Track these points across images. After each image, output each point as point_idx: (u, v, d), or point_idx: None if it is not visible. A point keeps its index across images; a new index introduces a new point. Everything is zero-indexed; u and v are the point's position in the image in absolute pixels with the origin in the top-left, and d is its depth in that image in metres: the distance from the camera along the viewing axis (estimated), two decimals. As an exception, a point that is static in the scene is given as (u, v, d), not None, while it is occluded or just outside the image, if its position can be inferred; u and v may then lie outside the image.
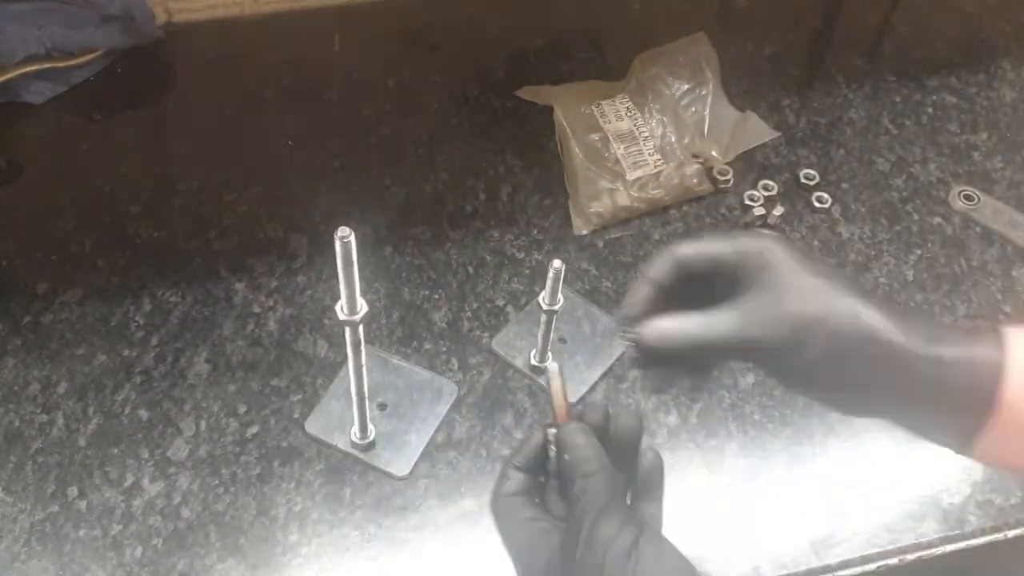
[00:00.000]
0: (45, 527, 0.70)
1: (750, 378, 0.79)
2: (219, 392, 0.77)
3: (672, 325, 0.50)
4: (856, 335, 0.47)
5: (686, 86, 0.97)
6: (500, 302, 0.83)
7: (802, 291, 0.48)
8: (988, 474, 0.73)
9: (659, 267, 0.52)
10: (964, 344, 0.47)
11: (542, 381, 0.56)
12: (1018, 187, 0.94)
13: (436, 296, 0.84)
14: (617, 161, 0.91)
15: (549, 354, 0.54)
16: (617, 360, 0.79)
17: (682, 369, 0.53)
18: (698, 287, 0.51)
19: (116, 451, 0.73)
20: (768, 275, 0.49)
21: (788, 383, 0.50)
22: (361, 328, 0.61)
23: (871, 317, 0.47)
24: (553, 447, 0.53)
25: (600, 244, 0.88)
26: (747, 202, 0.91)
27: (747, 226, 0.89)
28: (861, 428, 0.76)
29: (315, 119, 0.97)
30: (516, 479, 0.54)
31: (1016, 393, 0.46)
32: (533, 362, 0.78)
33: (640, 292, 0.52)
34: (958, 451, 0.49)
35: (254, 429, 0.75)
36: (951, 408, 0.47)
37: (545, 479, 0.55)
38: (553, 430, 0.53)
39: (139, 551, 0.69)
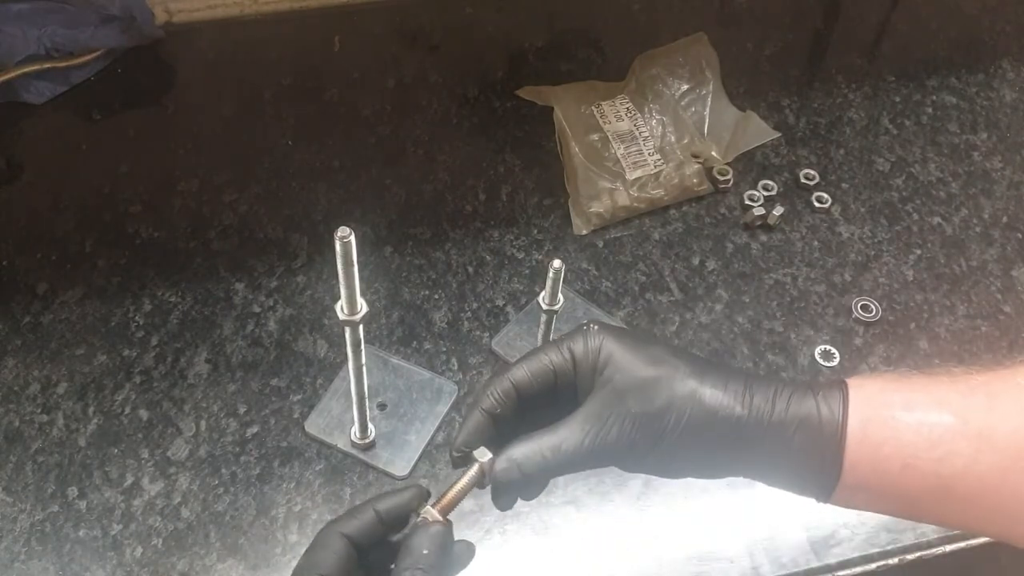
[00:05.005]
0: (45, 527, 0.70)
1: (750, 378, 0.79)
2: (219, 392, 0.77)
3: (526, 453, 0.49)
4: (701, 418, 0.48)
5: (686, 86, 0.97)
6: (500, 302, 0.83)
7: (643, 387, 0.49)
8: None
9: (496, 398, 0.51)
10: (807, 406, 0.48)
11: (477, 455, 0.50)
12: (1018, 187, 0.94)
13: (436, 296, 0.84)
14: (617, 161, 0.91)
15: (484, 449, 0.50)
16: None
17: (536, 487, 0.52)
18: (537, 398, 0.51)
19: (116, 451, 0.73)
20: (606, 377, 0.49)
21: (646, 471, 0.50)
22: (361, 328, 0.61)
23: (712, 397, 0.48)
24: (417, 519, 0.50)
25: (600, 244, 0.88)
26: (747, 202, 0.91)
27: (747, 226, 0.89)
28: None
29: (315, 119, 0.97)
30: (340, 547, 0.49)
31: (856, 455, 0.47)
32: (533, 362, 0.78)
33: (474, 424, 0.51)
34: (820, 501, 0.50)
35: (254, 429, 0.75)
36: (803, 470, 0.49)
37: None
38: (434, 513, 0.50)
39: (139, 551, 0.69)
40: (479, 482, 0.51)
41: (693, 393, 0.48)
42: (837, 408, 0.48)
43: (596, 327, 0.51)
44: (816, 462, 0.48)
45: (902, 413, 0.47)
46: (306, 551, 0.49)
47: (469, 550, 0.52)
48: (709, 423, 0.48)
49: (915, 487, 0.47)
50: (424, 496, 0.51)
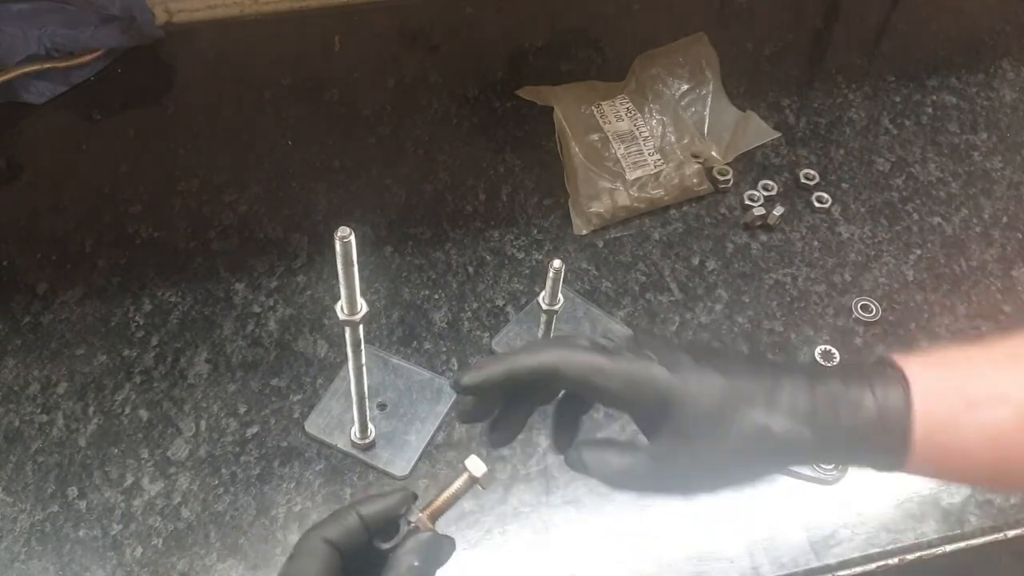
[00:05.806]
0: (45, 527, 0.70)
1: (750, 378, 0.79)
2: (219, 392, 0.77)
3: (594, 456, 0.51)
4: (770, 448, 0.48)
5: (686, 86, 0.97)
6: (500, 302, 0.83)
7: (709, 423, 0.48)
8: (988, 474, 0.74)
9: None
10: (870, 419, 0.48)
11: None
12: (1018, 187, 0.94)
13: (436, 296, 0.84)
14: (617, 161, 0.91)
15: (474, 458, 0.51)
16: (617, 360, 0.79)
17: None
18: None
19: (116, 451, 0.73)
20: (669, 413, 0.49)
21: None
22: (361, 328, 0.61)
23: (780, 426, 0.48)
24: (407, 525, 0.49)
25: (600, 244, 0.88)
26: (747, 202, 0.91)
27: (747, 226, 0.89)
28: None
29: (315, 119, 0.97)
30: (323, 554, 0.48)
31: (919, 464, 0.48)
32: (533, 362, 0.78)
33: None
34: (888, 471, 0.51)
35: (254, 429, 0.75)
36: (870, 455, 0.49)
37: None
38: (424, 520, 0.50)
39: (139, 551, 0.69)
40: (468, 490, 0.51)
41: (763, 429, 0.48)
42: (903, 422, 0.48)
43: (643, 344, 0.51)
44: (884, 448, 0.48)
45: (965, 414, 0.48)
46: (289, 558, 0.48)
47: (451, 545, 0.51)
48: (777, 451, 0.49)
49: (971, 475, 0.54)
50: (410, 500, 0.50)
